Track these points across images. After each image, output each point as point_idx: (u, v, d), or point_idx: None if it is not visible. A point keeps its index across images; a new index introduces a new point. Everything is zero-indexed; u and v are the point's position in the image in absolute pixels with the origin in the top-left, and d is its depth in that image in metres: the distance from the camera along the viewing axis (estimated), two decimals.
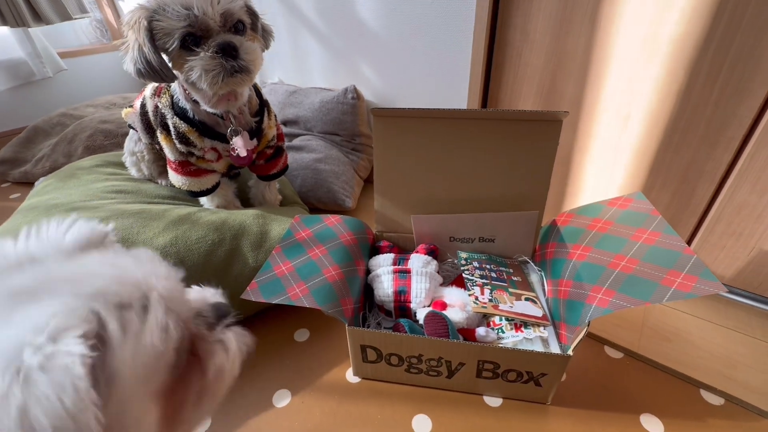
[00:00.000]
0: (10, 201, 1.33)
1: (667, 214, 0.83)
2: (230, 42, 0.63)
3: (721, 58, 0.68)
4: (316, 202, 1.14)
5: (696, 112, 0.73)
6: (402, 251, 0.81)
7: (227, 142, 0.77)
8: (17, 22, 1.57)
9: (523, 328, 0.64)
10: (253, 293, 0.62)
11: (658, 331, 0.75)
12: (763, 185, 0.70)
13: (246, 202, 0.97)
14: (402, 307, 0.70)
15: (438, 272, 0.75)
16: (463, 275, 0.73)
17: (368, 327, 0.72)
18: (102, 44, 2.02)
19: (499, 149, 0.70)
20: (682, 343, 0.73)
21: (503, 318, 0.66)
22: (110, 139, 1.36)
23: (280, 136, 0.91)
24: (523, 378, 0.61)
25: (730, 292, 0.82)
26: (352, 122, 1.22)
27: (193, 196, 0.86)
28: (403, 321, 0.65)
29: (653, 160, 0.81)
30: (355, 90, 1.19)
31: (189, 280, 0.76)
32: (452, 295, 0.70)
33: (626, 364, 0.71)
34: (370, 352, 0.64)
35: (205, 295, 0.37)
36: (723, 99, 0.70)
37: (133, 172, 0.98)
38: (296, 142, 1.25)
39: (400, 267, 0.73)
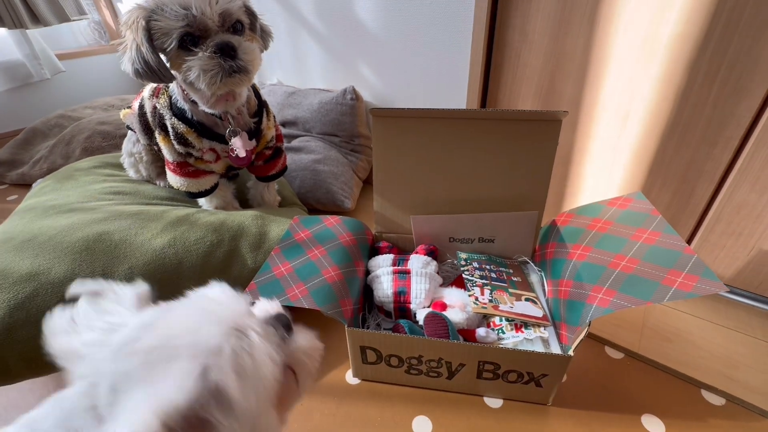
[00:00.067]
0: (7, 203, 1.32)
1: (666, 214, 0.83)
2: (229, 42, 0.62)
3: (720, 58, 0.68)
4: (315, 203, 1.13)
5: (695, 112, 0.73)
6: (401, 252, 0.81)
7: (226, 143, 0.77)
8: (15, 23, 1.56)
9: (523, 329, 0.64)
10: (252, 294, 0.61)
11: (658, 332, 0.75)
12: (763, 185, 0.70)
13: (245, 203, 0.97)
14: (402, 308, 0.70)
15: (438, 273, 0.75)
16: (463, 276, 0.73)
17: (368, 328, 0.71)
18: (100, 46, 2.01)
19: (498, 149, 0.70)
20: (682, 343, 0.73)
21: (503, 318, 0.66)
22: (108, 140, 1.35)
23: (279, 137, 0.91)
24: (524, 379, 0.61)
25: (731, 292, 0.82)
26: (350, 123, 1.22)
27: (191, 197, 0.86)
28: (402, 322, 0.65)
29: (652, 160, 0.81)
30: (354, 91, 1.19)
31: (187, 282, 0.75)
32: (452, 296, 0.70)
33: (627, 365, 0.71)
34: (370, 354, 0.64)
35: (267, 308, 0.40)
36: (721, 99, 0.70)
37: (131, 173, 0.97)
38: (295, 143, 1.25)
39: (399, 268, 0.73)
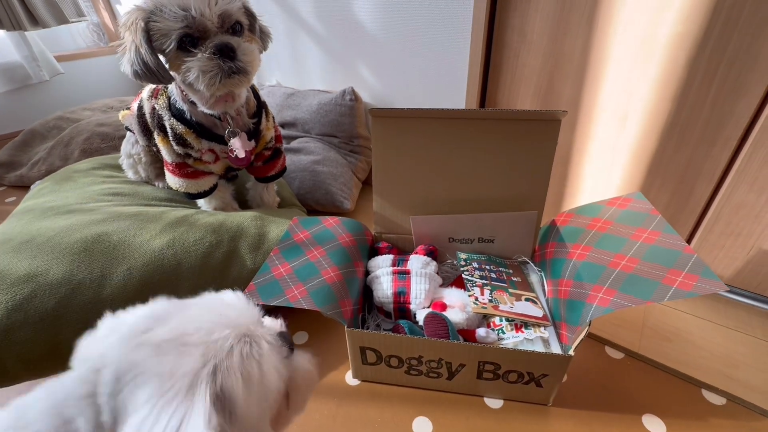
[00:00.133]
0: (5, 205, 1.32)
1: (665, 214, 0.83)
2: (228, 43, 0.62)
3: (719, 56, 0.68)
4: (315, 204, 1.13)
5: (693, 112, 0.73)
6: (401, 252, 0.81)
7: (225, 144, 0.77)
8: (14, 25, 1.56)
9: (523, 329, 0.64)
10: (252, 295, 0.61)
11: (658, 332, 0.75)
12: (761, 185, 0.70)
13: (244, 204, 0.97)
14: (401, 309, 0.69)
15: (437, 273, 0.75)
16: (463, 276, 0.72)
17: (367, 329, 0.71)
18: (99, 48, 2.01)
19: (498, 149, 0.70)
20: (682, 343, 0.73)
21: (503, 319, 0.65)
22: (107, 142, 1.35)
23: (278, 138, 0.91)
24: (524, 379, 0.61)
25: (731, 291, 0.82)
26: (350, 124, 1.22)
27: (190, 198, 0.85)
28: (402, 322, 0.65)
29: (651, 160, 0.82)
30: (353, 92, 1.19)
31: (187, 283, 0.75)
32: (452, 296, 0.69)
33: (627, 365, 0.71)
34: (370, 354, 0.64)
35: (274, 325, 0.40)
36: (720, 98, 0.70)
37: (130, 174, 0.97)
38: (294, 144, 1.25)
39: (399, 268, 0.73)
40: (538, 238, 0.79)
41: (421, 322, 0.65)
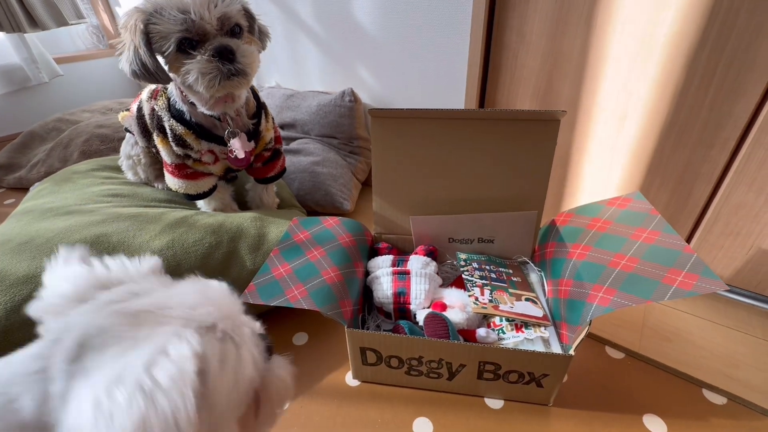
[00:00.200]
0: (4, 207, 1.32)
1: (665, 214, 0.83)
2: (227, 45, 0.62)
3: (717, 58, 0.68)
4: (314, 205, 1.13)
5: (692, 113, 0.74)
6: (401, 253, 0.81)
7: (224, 145, 0.77)
8: (13, 27, 1.56)
9: (523, 329, 0.64)
10: (252, 296, 0.61)
11: (658, 331, 0.75)
12: (760, 185, 0.70)
13: (243, 206, 0.97)
14: (401, 309, 0.69)
15: (437, 273, 0.75)
16: (463, 276, 0.72)
17: (367, 329, 0.71)
18: (98, 50, 2.01)
19: (497, 149, 0.70)
20: (682, 342, 0.73)
21: (504, 319, 0.65)
22: (106, 143, 1.35)
23: (277, 139, 0.91)
24: (525, 379, 0.60)
25: (730, 291, 0.82)
26: (349, 125, 1.22)
27: (189, 199, 0.85)
28: (402, 323, 0.65)
29: (650, 160, 0.82)
30: (353, 93, 1.20)
31: None
32: (452, 296, 0.69)
33: (627, 365, 0.71)
34: (370, 355, 0.64)
35: (254, 326, 0.38)
36: (718, 99, 0.70)
37: (129, 175, 0.97)
38: (294, 145, 1.25)
39: (399, 268, 0.73)
40: (538, 238, 0.80)
41: (421, 323, 0.65)
